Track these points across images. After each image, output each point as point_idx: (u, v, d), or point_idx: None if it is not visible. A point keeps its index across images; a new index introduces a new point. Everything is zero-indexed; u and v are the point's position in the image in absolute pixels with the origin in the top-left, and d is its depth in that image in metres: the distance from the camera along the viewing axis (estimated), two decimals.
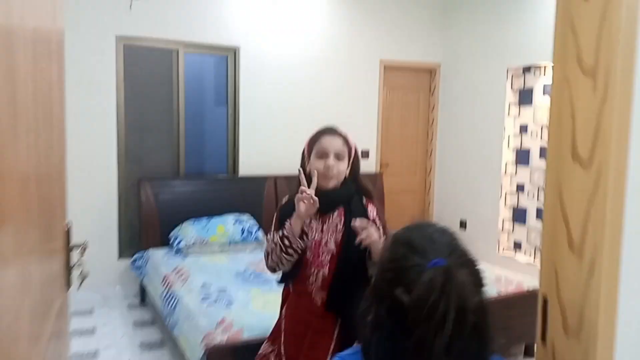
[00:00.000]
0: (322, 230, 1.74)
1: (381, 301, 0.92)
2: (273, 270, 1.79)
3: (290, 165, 4.82)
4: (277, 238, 1.69)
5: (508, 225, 4.88)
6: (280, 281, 1.86)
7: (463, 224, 5.30)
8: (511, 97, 4.79)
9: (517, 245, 4.79)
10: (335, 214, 1.74)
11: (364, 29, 5.14)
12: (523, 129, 4.72)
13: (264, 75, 4.70)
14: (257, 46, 4.65)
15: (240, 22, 4.57)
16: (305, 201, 1.64)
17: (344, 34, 5.05)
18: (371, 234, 1.59)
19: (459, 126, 5.34)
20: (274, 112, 4.76)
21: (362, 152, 5.19)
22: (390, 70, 5.33)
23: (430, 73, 5.62)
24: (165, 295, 3.21)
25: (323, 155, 1.73)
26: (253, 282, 3.23)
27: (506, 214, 4.88)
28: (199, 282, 3.20)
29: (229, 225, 4.12)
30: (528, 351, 3.26)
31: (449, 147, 5.48)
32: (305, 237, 1.69)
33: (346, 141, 1.79)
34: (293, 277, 1.77)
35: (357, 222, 1.61)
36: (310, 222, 1.74)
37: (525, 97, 4.69)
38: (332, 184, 1.73)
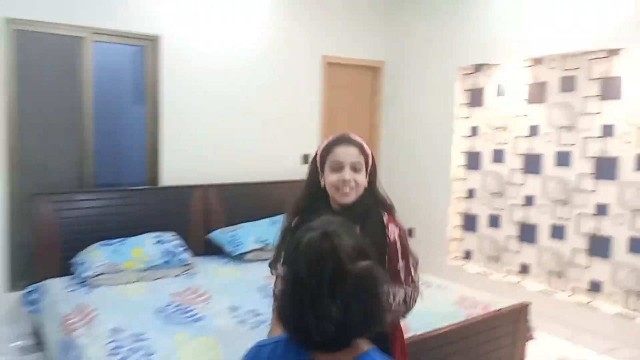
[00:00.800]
0: None
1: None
2: None
3: (222, 172, 4.22)
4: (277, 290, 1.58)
5: (458, 233, 4.58)
6: None
7: (411, 232, 4.94)
8: (461, 97, 4.49)
9: (468, 254, 4.50)
10: None
11: (305, 22, 4.63)
12: (474, 130, 4.43)
13: (191, 70, 4.06)
14: (181, 36, 4.01)
15: (162, 6, 3.90)
16: None
17: (284, 26, 4.52)
18: None
19: (406, 128, 4.99)
20: (202, 111, 4.14)
21: (302, 157, 4.70)
22: (332, 67, 4.87)
23: (374, 72, 5.22)
24: (63, 345, 2.52)
25: (338, 168, 1.55)
26: (178, 322, 2.62)
27: (456, 221, 4.58)
28: (107, 325, 2.54)
29: (148, 246, 3.45)
30: None
31: (395, 150, 5.12)
32: None
33: (362, 150, 1.59)
34: None
35: None
36: None
37: (476, 97, 4.40)
38: (350, 198, 1.55)
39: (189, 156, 4.09)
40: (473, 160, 4.44)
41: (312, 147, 4.75)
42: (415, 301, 1.56)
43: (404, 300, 1.52)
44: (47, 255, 3.36)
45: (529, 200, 3.98)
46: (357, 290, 0.94)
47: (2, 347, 3.29)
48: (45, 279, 3.31)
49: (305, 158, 4.72)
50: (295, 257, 0.99)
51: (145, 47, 3.94)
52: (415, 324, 2.56)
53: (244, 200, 4.19)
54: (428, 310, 2.75)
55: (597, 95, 3.50)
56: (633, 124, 3.31)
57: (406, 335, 2.46)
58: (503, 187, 4.18)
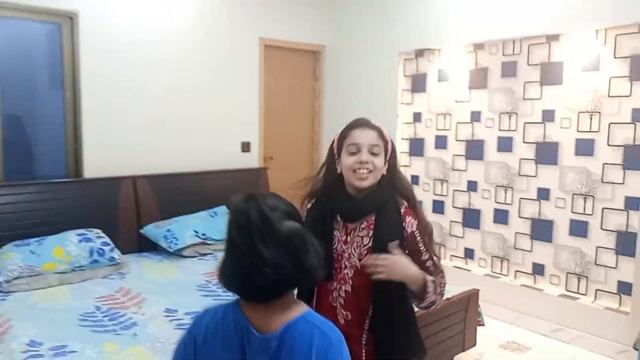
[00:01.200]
0: (345, 242, 1.52)
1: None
2: None
3: (154, 161, 3.89)
4: None
5: None
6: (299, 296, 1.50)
7: None
8: (404, 83, 4.42)
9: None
10: (363, 224, 1.50)
11: (241, 1, 4.36)
12: (417, 117, 4.39)
13: (115, 52, 3.69)
14: (103, 13, 3.62)
15: None
16: None
17: (218, 5, 4.22)
18: (389, 268, 1.36)
19: (347, 114, 4.80)
20: (130, 97, 3.78)
21: (242, 145, 4.46)
22: (271, 50, 4.64)
23: (314, 56, 5.05)
24: None
25: (355, 150, 1.49)
26: (108, 329, 2.34)
27: None
28: (24, 337, 2.21)
29: (71, 246, 3.09)
30: None
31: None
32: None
33: (381, 134, 1.53)
34: (312, 291, 1.56)
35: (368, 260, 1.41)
36: (334, 230, 1.53)
37: (418, 83, 4.35)
38: (367, 183, 1.48)
39: (115, 145, 3.73)
40: (416, 147, 4.39)
41: (252, 134, 4.54)
42: (444, 290, 1.52)
43: (440, 292, 1.48)
44: None
45: (472, 186, 3.99)
46: (286, 247, 1.00)
47: None
48: None
49: (245, 146, 4.48)
50: (227, 221, 1.04)
51: (62, 25, 3.53)
52: None
53: (179, 192, 3.89)
54: None
55: (538, 81, 3.53)
56: (573, 110, 3.36)
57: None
58: (446, 173, 4.17)
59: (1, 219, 3.10)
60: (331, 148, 1.60)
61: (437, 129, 4.22)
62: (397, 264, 1.37)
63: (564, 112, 3.41)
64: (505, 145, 3.76)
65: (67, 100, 3.57)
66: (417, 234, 1.48)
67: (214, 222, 3.77)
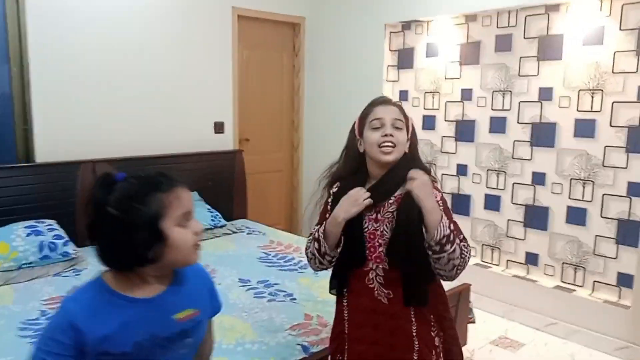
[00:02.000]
0: (376, 220, 1.51)
1: None
2: (319, 269, 1.63)
3: (115, 143, 3.53)
4: (320, 234, 1.55)
5: None
6: (332, 288, 1.64)
7: None
8: (389, 58, 4.10)
9: None
10: (391, 199, 1.50)
11: None
12: (403, 95, 4.08)
13: (69, 21, 3.28)
14: None
15: None
16: (357, 207, 1.47)
17: None
18: (420, 182, 1.37)
19: (329, 92, 4.54)
20: (87, 72, 3.39)
21: (215, 125, 4.11)
22: (246, 22, 4.26)
23: (293, 29, 4.68)
24: None
25: (379, 125, 1.50)
26: None
27: None
28: None
29: (17, 240, 2.75)
30: None
31: (319, 117, 4.67)
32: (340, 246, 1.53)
33: (402, 111, 1.55)
34: (346, 277, 1.56)
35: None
36: (363, 211, 1.49)
37: (405, 59, 4.03)
38: (392, 157, 1.48)
39: (71, 126, 3.35)
40: None
41: (226, 113, 4.18)
42: (469, 258, 1.48)
43: (461, 255, 1.43)
44: None
45: (461, 170, 3.73)
46: (110, 229, 1.03)
47: None
48: None
49: (218, 126, 4.13)
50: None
51: None
52: None
53: None
54: None
55: (535, 56, 3.25)
56: (572, 87, 3.10)
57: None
58: (434, 156, 3.90)
59: None
60: (352, 130, 1.60)
61: (425, 109, 3.93)
62: (427, 184, 1.38)
63: (562, 90, 3.14)
64: (498, 126, 3.49)
65: (13, 75, 3.17)
66: (441, 204, 1.46)
67: None
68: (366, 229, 1.51)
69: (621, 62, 2.88)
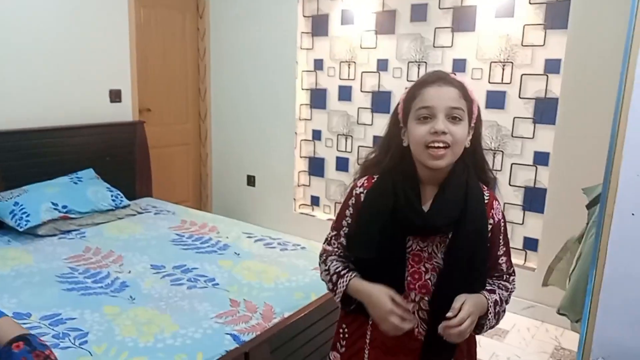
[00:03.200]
0: (423, 238, 1.17)
1: None
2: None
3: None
4: (332, 267, 1.25)
5: (304, 178, 4.17)
6: (347, 306, 1.25)
7: (251, 180, 4.38)
8: (303, 25, 3.92)
9: (315, 200, 4.15)
10: None
11: None
12: (318, 64, 3.95)
13: None
14: None
15: None
16: (394, 320, 1.09)
17: None
18: (459, 331, 1.07)
19: (239, 59, 4.26)
20: None
21: (110, 93, 3.67)
22: None
23: None
24: None
25: (428, 116, 1.10)
26: None
27: (302, 165, 4.15)
28: None
29: None
30: None
31: (228, 85, 4.38)
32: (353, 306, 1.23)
33: (464, 92, 1.13)
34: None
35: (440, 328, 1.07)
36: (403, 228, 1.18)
37: (320, 25, 3.88)
38: (443, 161, 1.10)
39: None
40: (318, 98, 3.98)
41: (123, 80, 3.74)
42: (507, 301, 1.24)
43: (506, 300, 1.22)
44: None
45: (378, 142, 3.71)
46: None
47: None
48: None
49: (114, 95, 3.70)
50: None
51: None
52: (277, 305, 2.07)
53: (29, 154, 3.08)
54: (288, 283, 2.27)
55: (449, 27, 3.27)
56: (484, 59, 3.17)
57: (270, 322, 1.95)
58: (351, 127, 3.84)
59: None
60: (395, 112, 1.22)
61: (341, 79, 3.83)
62: (468, 323, 1.09)
63: (475, 62, 3.21)
64: None
65: None
66: (503, 224, 1.21)
67: (77, 190, 3.05)
68: (409, 249, 1.18)
69: (530, 35, 2.99)
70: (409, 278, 1.18)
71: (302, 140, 4.10)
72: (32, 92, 3.20)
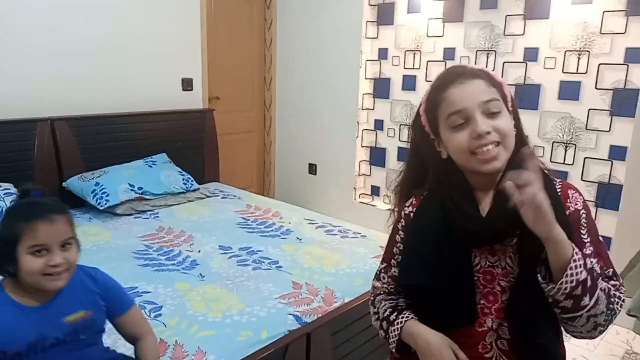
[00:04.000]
0: (493, 252, 1.00)
1: None
2: None
3: (75, 101, 3.24)
4: (381, 310, 1.12)
5: (365, 168, 4.19)
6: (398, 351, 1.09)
7: (313, 169, 4.46)
8: (368, 14, 3.91)
9: (375, 191, 4.16)
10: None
11: None
12: (382, 53, 3.93)
13: None
14: None
15: None
16: None
17: None
18: (530, 197, 0.83)
19: (304, 49, 4.32)
20: (38, 17, 3.05)
21: (183, 82, 3.85)
22: None
23: None
24: None
25: (463, 120, 0.97)
26: None
27: (363, 155, 4.16)
28: None
29: None
30: None
31: (292, 75, 4.46)
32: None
33: (491, 80, 1.00)
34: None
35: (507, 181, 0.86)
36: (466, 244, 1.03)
37: (385, 14, 3.86)
38: (500, 162, 0.96)
39: (25, 81, 3.03)
40: (381, 88, 3.97)
41: (194, 69, 3.91)
42: (620, 306, 0.97)
43: (608, 306, 0.93)
44: None
45: None
46: None
47: None
48: None
49: (186, 83, 3.87)
50: None
51: None
52: (338, 289, 2.11)
53: (108, 138, 3.30)
54: (349, 269, 2.30)
55: (521, 14, 3.15)
56: (558, 48, 3.03)
57: (330, 306, 2.01)
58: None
59: None
60: (417, 124, 1.09)
61: (405, 68, 3.80)
62: (539, 199, 0.84)
63: (548, 50, 3.08)
64: None
65: None
66: (584, 215, 1.00)
67: (151, 173, 3.24)
68: (477, 267, 1.01)
69: (610, 22, 2.83)
70: (482, 301, 1.00)
71: (364, 129, 4.11)
72: (112, 81, 3.42)
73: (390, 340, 1.09)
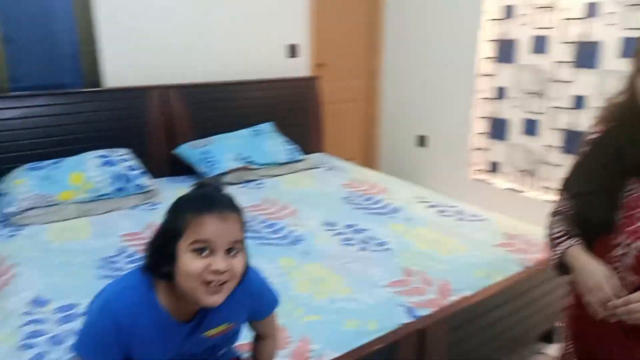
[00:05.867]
0: None
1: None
2: None
3: (186, 69, 3.26)
4: (554, 229, 1.23)
5: (482, 141, 3.81)
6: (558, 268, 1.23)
7: (422, 141, 4.16)
8: None
9: (494, 167, 3.77)
10: None
11: None
12: (508, 11, 3.47)
13: None
14: None
15: None
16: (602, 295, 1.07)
17: None
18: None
19: (416, 11, 3.97)
20: None
21: (289, 48, 3.72)
22: None
23: None
24: None
25: None
26: None
27: (481, 127, 3.78)
28: (29, 291, 1.77)
29: (91, 169, 2.61)
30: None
31: (403, 39, 4.14)
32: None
33: None
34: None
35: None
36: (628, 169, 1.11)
37: None
38: None
39: (140, 49, 3.09)
40: (505, 51, 3.52)
41: (300, 34, 3.77)
42: None
43: None
44: None
45: (579, 102, 3.17)
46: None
47: None
48: None
49: (292, 50, 3.74)
50: None
51: None
52: (455, 281, 1.88)
53: (216, 106, 3.29)
54: (466, 257, 2.05)
55: None
56: (620, 2, 2.42)
57: (446, 299, 1.78)
58: (543, 85, 3.33)
59: (7, 136, 2.62)
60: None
61: (535, 28, 3.32)
62: None
63: (610, 5, 2.46)
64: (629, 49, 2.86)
65: None
66: None
67: (257, 142, 3.19)
68: (629, 192, 1.10)
69: None
70: (623, 220, 1.10)
71: (482, 98, 3.71)
72: (218, 49, 3.39)
73: (551, 257, 1.22)
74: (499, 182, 3.69)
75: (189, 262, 0.96)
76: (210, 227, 0.96)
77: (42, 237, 2.23)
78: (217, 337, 1.11)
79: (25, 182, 2.46)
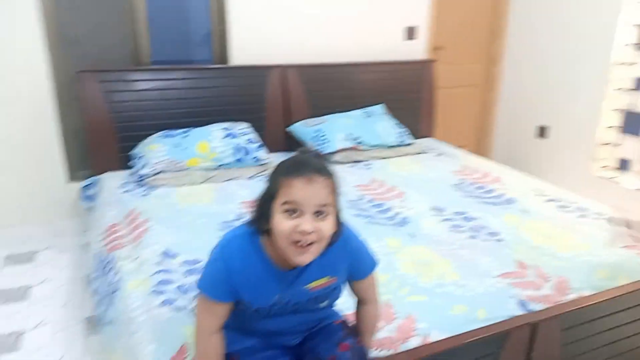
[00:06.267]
0: None
1: None
2: None
3: (304, 49, 3.36)
4: None
5: (612, 136, 3.48)
6: None
7: (543, 132, 3.90)
8: None
9: (624, 164, 3.43)
10: None
11: None
12: None
13: None
14: None
15: None
16: None
17: None
18: None
19: None
20: None
21: (407, 30, 3.67)
22: None
23: None
24: (102, 263, 2.02)
25: None
26: None
27: (611, 119, 3.45)
28: (159, 245, 1.98)
29: (215, 140, 2.81)
30: None
31: (528, 23, 3.88)
32: None
33: None
34: None
35: None
36: None
37: None
38: None
39: (264, 30, 3.25)
40: None
41: (419, 16, 3.69)
42: None
43: None
44: (101, 144, 2.86)
45: None
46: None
47: (65, 243, 2.97)
48: (104, 171, 2.86)
49: (410, 32, 3.68)
50: None
51: None
52: (574, 279, 1.76)
53: (331, 86, 3.36)
54: (588, 256, 1.91)
55: None
56: None
57: (563, 297, 1.68)
58: None
59: (147, 105, 2.91)
60: None
61: None
62: None
63: None
64: None
65: None
66: None
67: (368, 124, 3.21)
68: None
69: None
70: None
71: (616, 89, 3.38)
72: (338, 31, 3.44)
73: None
74: (628, 181, 3.35)
75: (280, 222, 1.05)
76: (298, 189, 1.03)
77: (171, 198, 2.46)
78: (318, 289, 1.18)
79: (159, 148, 2.72)
